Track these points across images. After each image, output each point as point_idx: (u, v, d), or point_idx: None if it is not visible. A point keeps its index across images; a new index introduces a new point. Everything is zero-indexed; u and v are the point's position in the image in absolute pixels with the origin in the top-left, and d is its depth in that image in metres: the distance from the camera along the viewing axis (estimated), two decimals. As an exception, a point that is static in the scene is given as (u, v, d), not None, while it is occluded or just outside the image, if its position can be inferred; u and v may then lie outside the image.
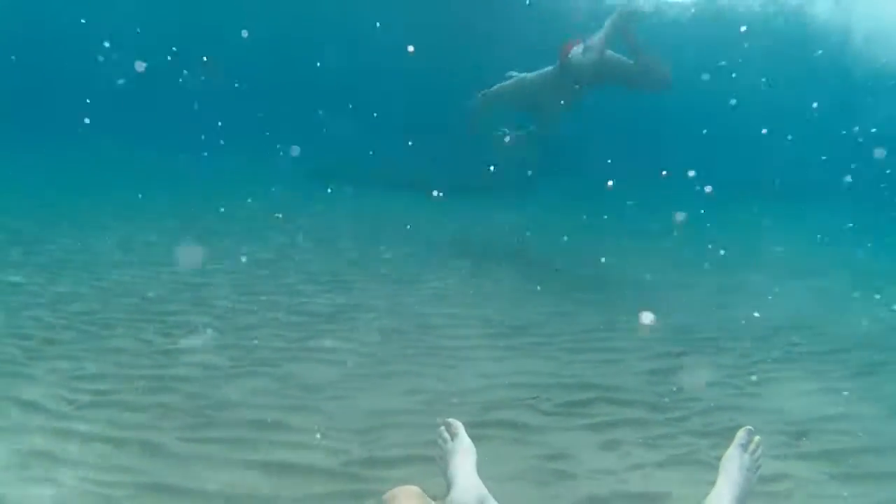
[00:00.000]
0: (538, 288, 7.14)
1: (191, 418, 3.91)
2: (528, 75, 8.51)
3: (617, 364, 5.13)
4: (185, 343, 5.01)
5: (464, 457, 2.81)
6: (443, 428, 2.95)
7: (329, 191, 12.52)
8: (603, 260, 8.56)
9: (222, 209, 10.13)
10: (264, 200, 11.31)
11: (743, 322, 6.35)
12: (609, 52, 7.72)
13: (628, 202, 9.23)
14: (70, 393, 4.09)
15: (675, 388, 4.71)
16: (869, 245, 10.51)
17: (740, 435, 2.91)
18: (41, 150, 14.74)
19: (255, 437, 3.74)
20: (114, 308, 5.66)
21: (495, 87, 8.76)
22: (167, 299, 5.98)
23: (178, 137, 16.24)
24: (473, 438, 3.81)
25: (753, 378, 4.99)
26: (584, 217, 11.71)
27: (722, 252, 9.44)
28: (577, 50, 7.77)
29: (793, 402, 4.60)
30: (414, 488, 2.24)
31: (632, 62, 7.82)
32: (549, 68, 8.24)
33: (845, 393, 4.81)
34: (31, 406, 3.90)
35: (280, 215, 9.94)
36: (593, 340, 5.63)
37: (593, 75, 7.79)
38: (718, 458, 3.69)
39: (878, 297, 7.54)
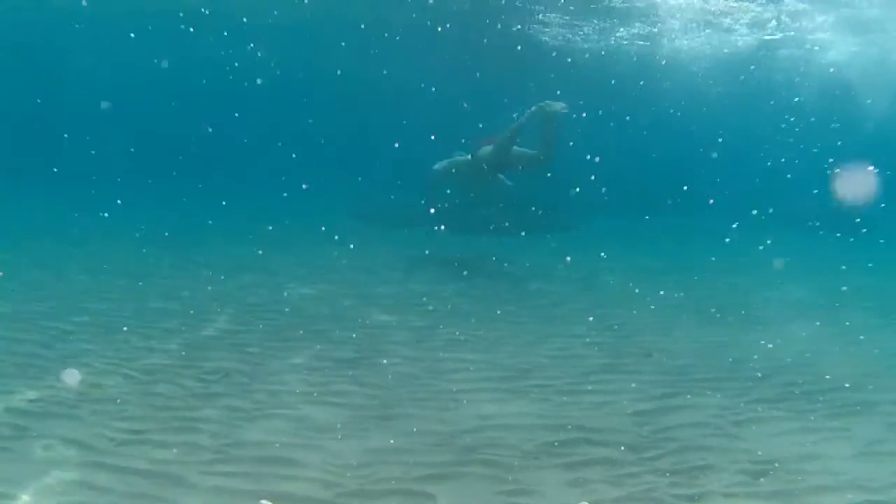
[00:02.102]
0: (551, 330, 7.57)
1: (211, 454, 4.49)
2: (458, 158, 10.73)
3: (607, 406, 5.52)
4: (215, 388, 5.61)
5: None
6: None
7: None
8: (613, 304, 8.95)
9: (260, 251, 10.85)
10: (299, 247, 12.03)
11: (746, 362, 6.65)
12: (514, 148, 9.99)
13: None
14: (111, 432, 4.72)
15: (655, 429, 5.07)
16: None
17: None
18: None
19: (264, 472, 4.28)
20: (157, 355, 6.32)
21: (444, 163, 10.85)
22: (207, 346, 6.62)
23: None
24: (452, 476, 4.30)
25: (736, 418, 5.32)
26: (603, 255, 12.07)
27: (734, 291, 9.68)
28: (485, 147, 10.12)
29: (766, 441, 4.91)
30: None
31: (534, 152, 9.96)
32: (468, 157, 10.52)
33: (821, 433, 5.10)
34: (75, 443, 4.53)
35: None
36: (591, 383, 6.03)
37: (496, 164, 10.20)
38: (674, 496, 4.10)
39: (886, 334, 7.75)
